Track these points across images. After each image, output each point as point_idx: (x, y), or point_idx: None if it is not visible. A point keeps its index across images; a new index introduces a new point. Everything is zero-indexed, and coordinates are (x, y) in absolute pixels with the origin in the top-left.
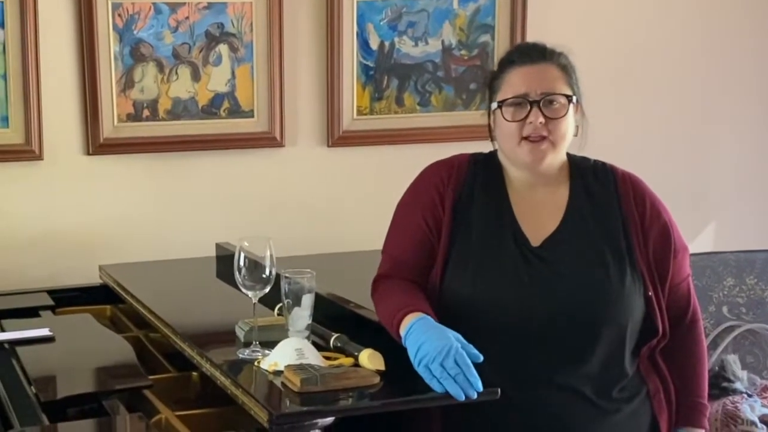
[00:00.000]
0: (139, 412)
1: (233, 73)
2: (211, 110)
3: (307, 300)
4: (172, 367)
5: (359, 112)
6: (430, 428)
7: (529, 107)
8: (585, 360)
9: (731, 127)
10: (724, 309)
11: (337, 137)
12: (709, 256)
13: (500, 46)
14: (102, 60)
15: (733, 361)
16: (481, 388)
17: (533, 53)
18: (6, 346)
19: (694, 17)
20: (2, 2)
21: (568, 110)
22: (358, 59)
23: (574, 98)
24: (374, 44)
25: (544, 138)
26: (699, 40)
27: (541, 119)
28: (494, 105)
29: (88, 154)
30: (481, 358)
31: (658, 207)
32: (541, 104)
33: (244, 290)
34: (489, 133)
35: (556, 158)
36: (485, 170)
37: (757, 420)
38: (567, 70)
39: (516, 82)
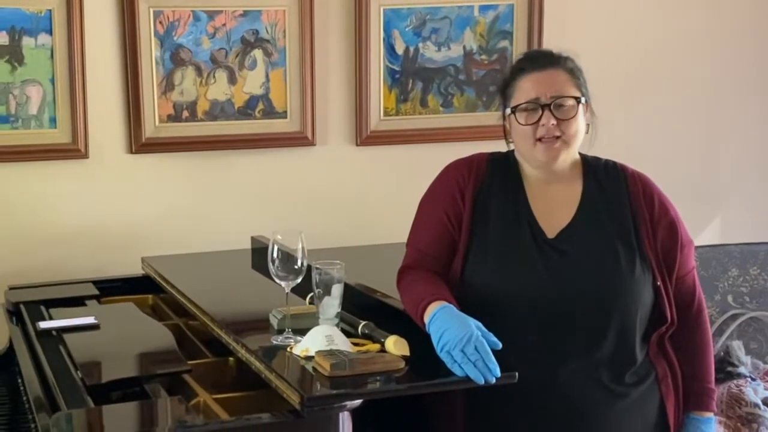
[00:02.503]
0: (179, 395)
1: (267, 76)
2: (246, 111)
3: (337, 290)
4: (209, 353)
5: (386, 113)
6: (452, 410)
7: (540, 111)
8: (598, 346)
9: (735, 128)
10: (729, 298)
11: (365, 137)
12: (714, 248)
13: (518, 51)
14: (144, 64)
15: (738, 346)
16: (499, 373)
17: (541, 60)
18: (54, 333)
19: (701, 21)
20: (50, 11)
21: (577, 111)
22: (385, 63)
23: (583, 99)
24: (400, 49)
25: (557, 137)
26: (704, 41)
27: (553, 121)
28: (508, 110)
29: (131, 152)
30: (500, 345)
31: (666, 204)
32: (551, 107)
33: (277, 280)
34: (504, 137)
35: (569, 156)
36: (503, 168)
37: (760, 402)
38: (574, 73)
39: (527, 87)
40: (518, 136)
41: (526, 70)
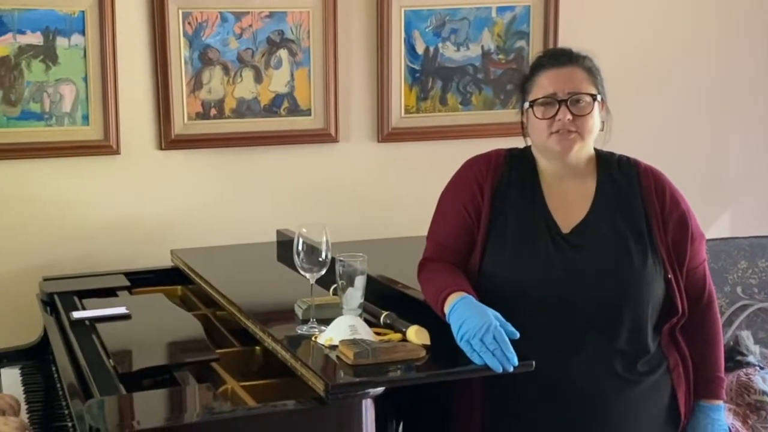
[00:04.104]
0: (208, 382)
1: (292, 75)
2: (272, 109)
3: (360, 281)
4: (237, 342)
5: (407, 111)
6: (471, 397)
7: (557, 106)
8: (611, 336)
9: (744, 125)
10: (738, 289)
11: (387, 133)
12: (724, 241)
13: (534, 51)
14: (173, 64)
15: (747, 336)
16: (516, 362)
17: (561, 57)
18: (87, 323)
19: (711, 21)
20: (83, 12)
21: (593, 108)
22: (406, 63)
23: (599, 97)
24: (420, 49)
25: (572, 131)
26: (714, 40)
27: (569, 116)
28: (526, 104)
29: (161, 149)
30: (518, 334)
31: (677, 198)
32: (568, 103)
33: (302, 272)
34: (522, 130)
35: (583, 150)
36: (520, 164)
37: None
38: (592, 72)
39: (545, 83)
40: (534, 129)
41: (545, 66)
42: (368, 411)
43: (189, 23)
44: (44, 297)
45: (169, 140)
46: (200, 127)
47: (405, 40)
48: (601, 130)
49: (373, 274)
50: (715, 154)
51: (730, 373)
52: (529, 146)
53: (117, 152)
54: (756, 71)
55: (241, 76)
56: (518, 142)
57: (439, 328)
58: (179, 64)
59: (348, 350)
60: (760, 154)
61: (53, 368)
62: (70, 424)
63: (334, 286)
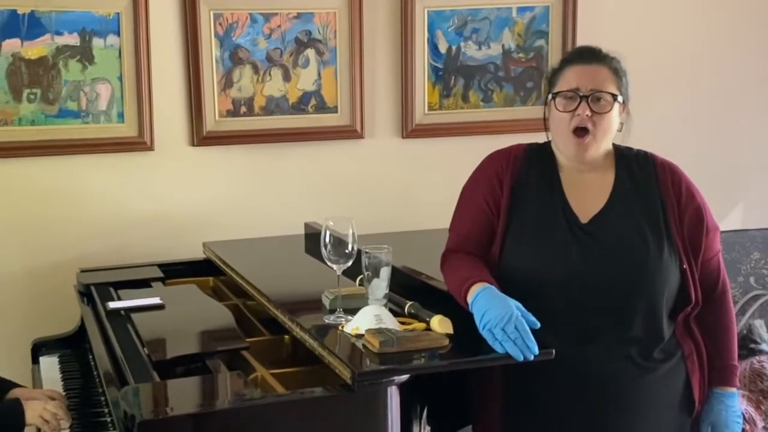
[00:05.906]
0: (238, 370)
1: (319, 74)
2: (300, 107)
3: (385, 272)
4: (266, 331)
5: (430, 108)
6: (493, 384)
7: (578, 101)
8: (628, 324)
9: (756, 121)
10: (751, 279)
11: (411, 130)
12: (737, 233)
13: (553, 50)
14: (205, 63)
15: (759, 325)
16: (537, 350)
17: (588, 55)
18: (122, 312)
19: (726, 17)
20: (118, 13)
21: (612, 107)
22: (429, 61)
23: (620, 98)
24: (443, 48)
25: (587, 132)
26: (729, 36)
27: (588, 112)
28: (550, 96)
29: (193, 145)
30: (538, 324)
31: (693, 191)
32: (589, 99)
33: (329, 264)
34: (544, 123)
35: (599, 149)
36: (539, 157)
37: None
38: (617, 73)
39: (570, 78)
40: (554, 121)
41: (573, 61)
42: (393, 398)
43: (220, 24)
44: (81, 288)
45: (201, 137)
46: (231, 124)
47: (428, 39)
48: (619, 130)
49: (397, 265)
50: (729, 148)
51: (744, 361)
52: (549, 141)
53: (151, 148)
54: None
55: (270, 74)
56: (538, 138)
57: (462, 317)
58: (210, 64)
59: (374, 339)
60: None
61: (90, 356)
62: (106, 411)
63: (360, 276)
